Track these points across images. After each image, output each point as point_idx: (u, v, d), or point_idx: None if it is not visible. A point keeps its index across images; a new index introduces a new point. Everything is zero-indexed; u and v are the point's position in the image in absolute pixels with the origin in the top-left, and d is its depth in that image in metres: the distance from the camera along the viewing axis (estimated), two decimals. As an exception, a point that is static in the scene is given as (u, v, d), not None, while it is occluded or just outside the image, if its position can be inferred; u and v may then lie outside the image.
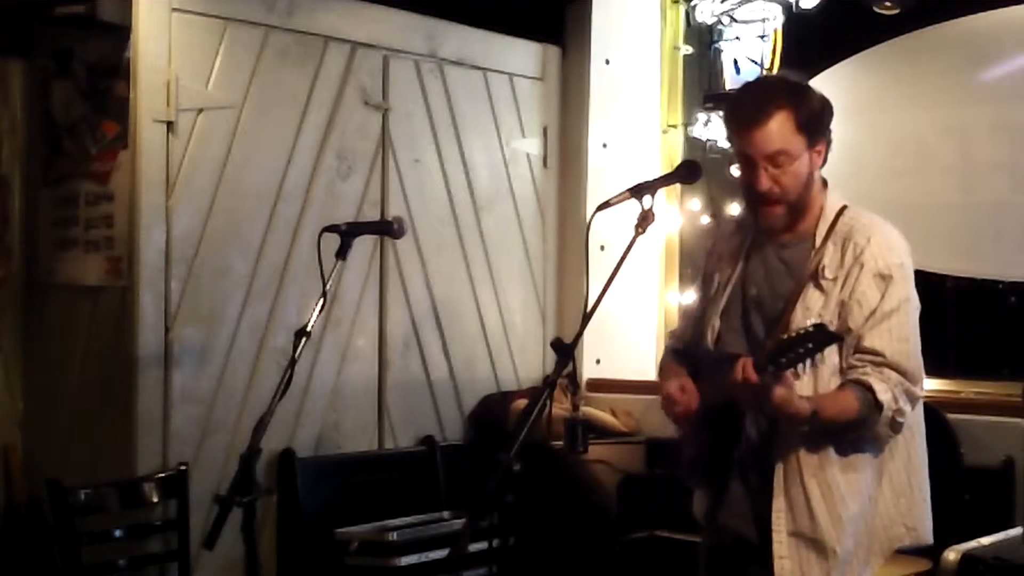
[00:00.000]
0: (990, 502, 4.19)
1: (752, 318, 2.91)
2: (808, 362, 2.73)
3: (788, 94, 2.85)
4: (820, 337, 2.61)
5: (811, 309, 2.79)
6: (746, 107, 2.89)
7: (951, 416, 4.30)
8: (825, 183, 2.94)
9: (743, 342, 2.90)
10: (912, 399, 2.80)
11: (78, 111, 4.41)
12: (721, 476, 2.94)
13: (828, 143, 2.91)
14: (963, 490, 4.14)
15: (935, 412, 3.75)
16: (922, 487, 2.91)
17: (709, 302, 3.02)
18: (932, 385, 4.23)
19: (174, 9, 4.27)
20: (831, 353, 2.77)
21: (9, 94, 4.56)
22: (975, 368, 4.77)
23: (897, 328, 2.78)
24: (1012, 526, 3.76)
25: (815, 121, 2.85)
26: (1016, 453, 4.31)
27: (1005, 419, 4.37)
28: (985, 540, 3.39)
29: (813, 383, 2.79)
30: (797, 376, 2.76)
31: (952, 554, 3.15)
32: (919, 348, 2.84)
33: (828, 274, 2.81)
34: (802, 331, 2.62)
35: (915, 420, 2.90)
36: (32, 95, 4.56)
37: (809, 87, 2.93)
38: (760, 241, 2.96)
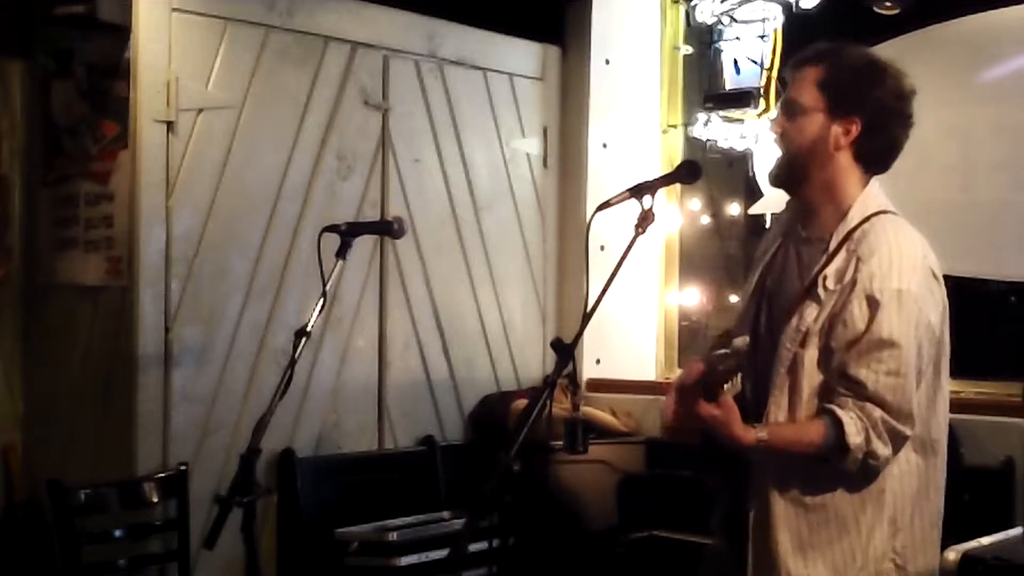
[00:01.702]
0: (990, 502, 4.19)
1: (761, 310, 2.83)
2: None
3: (824, 51, 2.72)
4: (733, 360, 2.60)
5: (805, 320, 2.66)
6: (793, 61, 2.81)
7: (951, 416, 4.29)
8: (868, 181, 2.77)
9: (748, 333, 2.82)
10: (895, 437, 2.60)
11: (78, 111, 4.40)
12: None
13: (870, 128, 2.70)
14: (963, 490, 4.13)
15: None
16: (929, 524, 2.75)
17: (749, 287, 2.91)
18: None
19: (174, 9, 4.27)
20: (812, 374, 2.64)
21: (9, 94, 4.55)
22: (975, 368, 4.75)
23: (888, 361, 2.58)
24: (1012, 526, 3.76)
25: (841, 86, 2.69)
26: (1016, 453, 4.31)
27: (1005, 419, 4.37)
28: (985, 540, 3.38)
29: (787, 404, 2.66)
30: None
31: (952, 554, 3.15)
32: (915, 383, 2.63)
33: (829, 284, 2.66)
34: (721, 353, 2.59)
35: (935, 449, 2.76)
36: (32, 95, 4.55)
37: (845, 49, 2.75)
38: (793, 232, 2.83)
